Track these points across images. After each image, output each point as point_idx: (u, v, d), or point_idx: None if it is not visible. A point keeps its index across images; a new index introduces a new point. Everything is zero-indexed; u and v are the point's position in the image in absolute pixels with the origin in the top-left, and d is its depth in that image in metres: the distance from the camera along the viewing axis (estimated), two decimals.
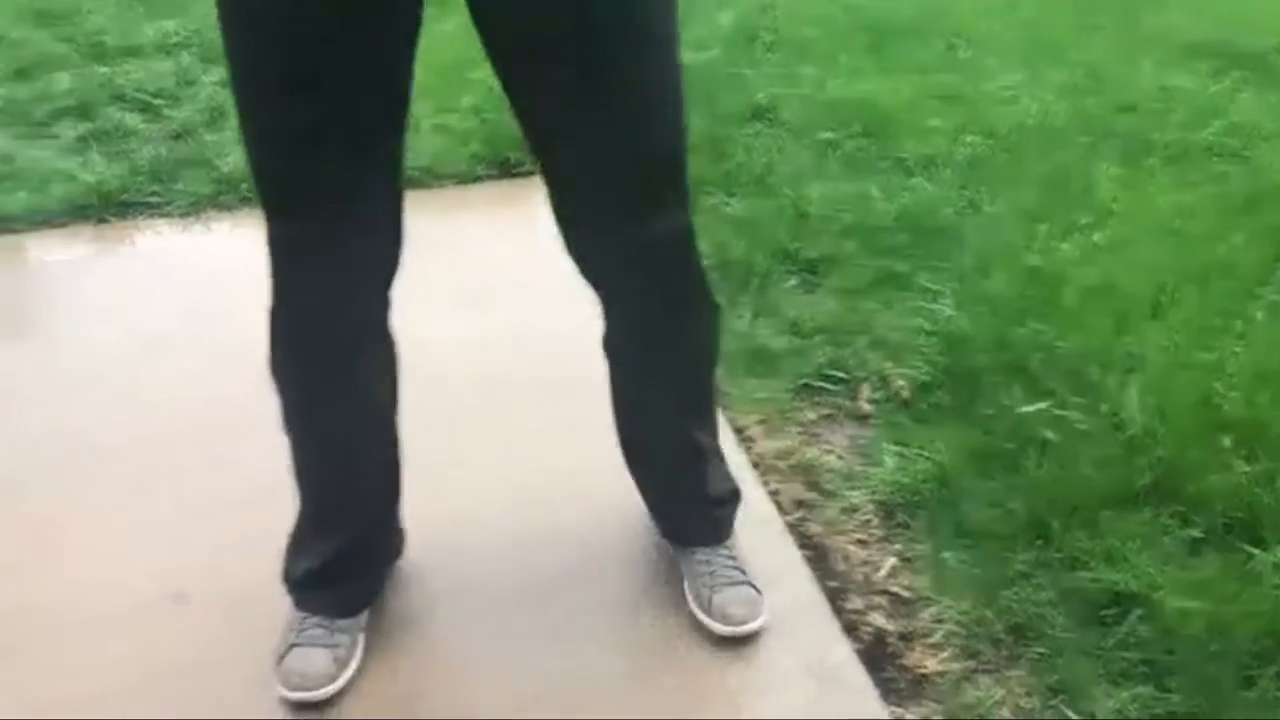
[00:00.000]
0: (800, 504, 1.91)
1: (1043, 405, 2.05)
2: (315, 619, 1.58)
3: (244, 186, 2.77)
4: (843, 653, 1.64)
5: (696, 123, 3.08)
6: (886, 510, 1.89)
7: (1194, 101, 3.31)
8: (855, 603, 1.72)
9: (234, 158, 2.85)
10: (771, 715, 1.55)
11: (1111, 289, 2.37)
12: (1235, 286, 2.40)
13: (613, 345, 1.61)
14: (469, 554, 1.79)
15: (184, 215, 2.73)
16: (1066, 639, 1.64)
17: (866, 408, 2.11)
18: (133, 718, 1.52)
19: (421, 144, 2.90)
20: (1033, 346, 2.20)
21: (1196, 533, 1.80)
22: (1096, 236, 2.60)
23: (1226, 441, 1.94)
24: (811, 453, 2.01)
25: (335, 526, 1.59)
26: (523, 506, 1.88)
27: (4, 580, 1.75)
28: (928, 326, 2.31)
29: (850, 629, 1.68)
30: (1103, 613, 1.67)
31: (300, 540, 1.62)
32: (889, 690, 1.59)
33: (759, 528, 1.84)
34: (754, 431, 2.05)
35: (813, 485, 1.95)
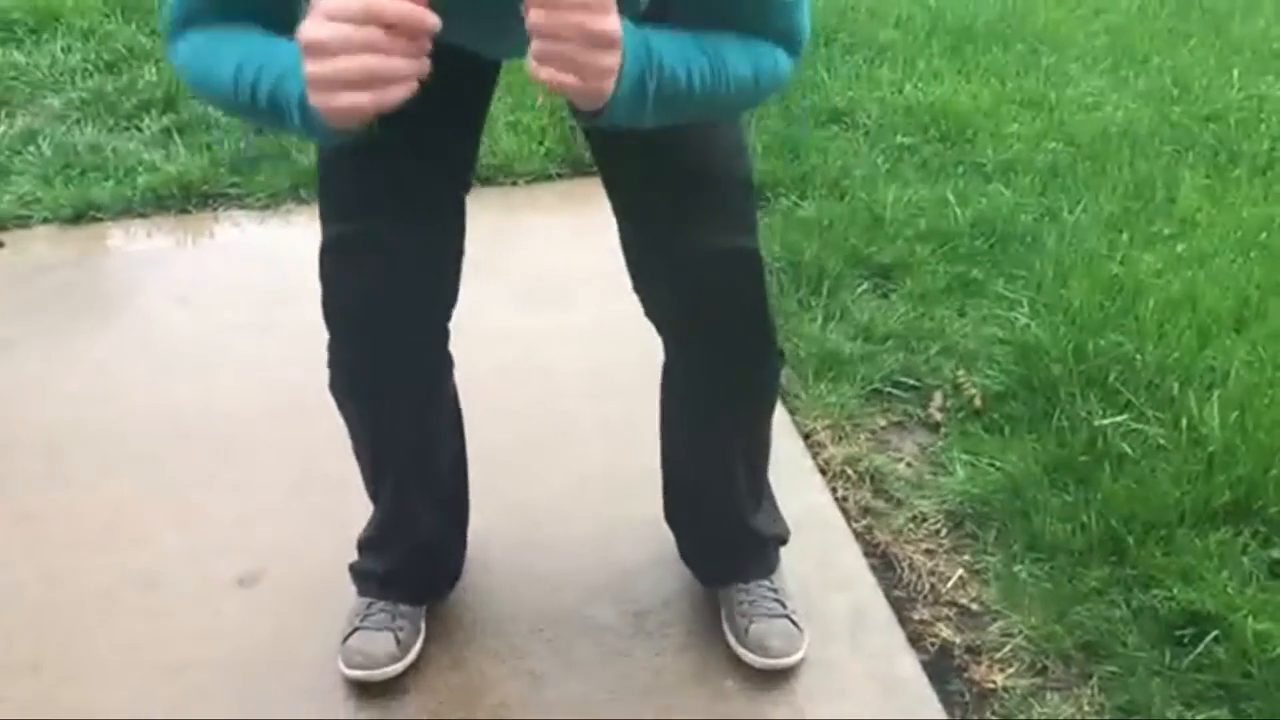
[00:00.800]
0: (867, 511, 1.89)
1: (1120, 418, 2.01)
2: (380, 604, 1.60)
3: None
4: (908, 663, 1.62)
5: (772, 125, 3.09)
6: (956, 520, 1.86)
7: None
8: (922, 613, 1.70)
9: (312, 151, 2.89)
10: None
11: (1194, 301, 2.32)
12: None
13: (668, 383, 1.56)
14: (536, 547, 1.80)
15: (263, 207, 2.77)
16: (1139, 658, 1.60)
17: (938, 416, 2.09)
18: (202, 692, 1.55)
19: (495, 142, 2.92)
20: (1111, 358, 2.15)
21: (1277, 554, 1.75)
22: (1179, 247, 2.54)
23: None
24: (880, 460, 1.98)
25: (404, 541, 1.61)
26: (593, 500, 1.88)
27: (82, 555, 1.79)
28: (1003, 335, 2.27)
29: (916, 639, 1.66)
30: (1178, 633, 1.63)
31: (370, 543, 1.64)
32: (953, 704, 1.57)
33: (825, 534, 1.83)
34: (822, 437, 2.03)
35: (881, 493, 1.92)
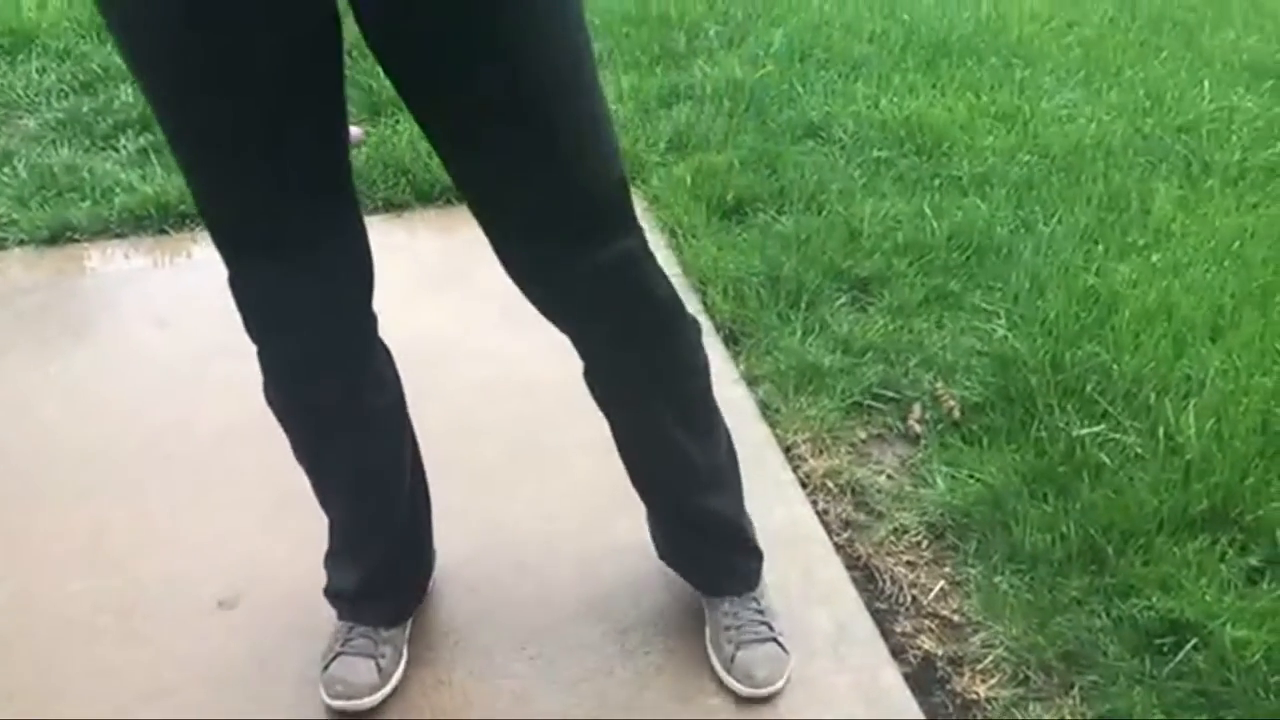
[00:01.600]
0: (849, 524, 1.89)
1: (1098, 428, 2.02)
2: (360, 629, 1.59)
3: None
4: (890, 676, 1.62)
5: (749, 140, 3.10)
6: (937, 532, 1.87)
7: (1255, 122, 3.26)
8: (904, 625, 1.71)
9: None
10: None
11: (1169, 311, 2.34)
12: None
13: (590, 381, 1.51)
14: (519, 565, 1.80)
15: None
16: (1120, 667, 1.61)
17: (917, 428, 2.09)
18: (181, 718, 1.54)
19: None
20: (1088, 368, 2.16)
21: (1255, 561, 1.76)
22: (1154, 258, 2.56)
23: None
24: (861, 472, 1.99)
25: (363, 549, 1.60)
26: (576, 518, 1.88)
27: (59, 579, 1.78)
28: (980, 346, 2.28)
29: (898, 652, 1.66)
30: (1158, 641, 1.64)
31: (334, 558, 1.63)
32: (937, 715, 1.57)
33: (806, 547, 1.83)
34: (803, 450, 2.04)
35: (862, 505, 1.93)
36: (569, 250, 1.32)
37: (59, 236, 2.73)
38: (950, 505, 1.90)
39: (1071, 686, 1.60)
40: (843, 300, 2.46)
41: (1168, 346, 2.22)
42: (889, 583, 1.78)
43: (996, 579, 1.76)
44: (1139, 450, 1.97)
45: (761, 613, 1.63)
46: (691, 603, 1.70)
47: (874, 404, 2.16)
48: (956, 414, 2.11)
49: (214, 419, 2.12)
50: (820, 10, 4.07)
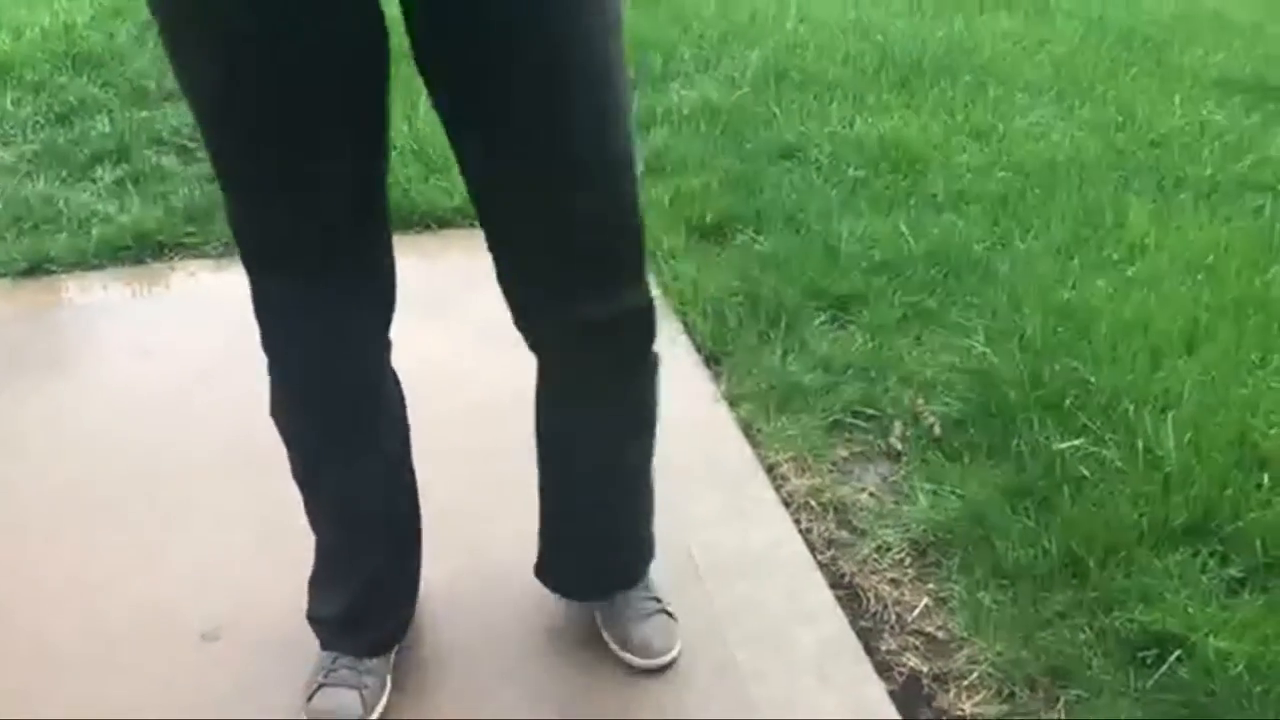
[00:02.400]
0: (832, 543, 1.90)
1: (1077, 442, 2.03)
2: (344, 659, 1.58)
3: None
4: (876, 694, 1.62)
5: (726, 161, 3.12)
6: (920, 549, 1.88)
7: (1226, 136, 3.30)
8: (889, 643, 1.71)
9: None
10: None
11: (1145, 324, 2.36)
12: (1270, 321, 2.38)
13: (543, 402, 1.53)
14: (501, 591, 1.79)
15: (219, 255, 2.76)
16: (1104, 681, 1.62)
17: (898, 445, 2.10)
18: None
19: (457, 184, 2.92)
20: (1066, 383, 2.18)
21: (1236, 572, 1.77)
22: (1129, 271, 2.59)
23: (1265, 479, 1.92)
24: (844, 490, 2.00)
25: (351, 574, 1.59)
26: None
27: (41, 609, 1.77)
28: (959, 363, 2.30)
29: (884, 670, 1.66)
30: (1141, 654, 1.65)
31: (319, 583, 1.62)
32: None
33: (790, 567, 1.83)
34: (786, 469, 2.04)
35: (845, 523, 1.94)
36: (579, 293, 1.35)
37: (36, 268, 2.72)
38: (933, 522, 1.90)
39: (1057, 701, 1.60)
40: (822, 319, 2.47)
41: (1144, 360, 2.24)
42: (873, 600, 1.78)
43: (980, 595, 1.77)
44: (1118, 463, 1.98)
45: (647, 587, 1.68)
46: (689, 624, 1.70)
47: (855, 422, 2.17)
48: (937, 430, 2.12)
49: (197, 448, 2.11)
50: (794, 32, 4.11)
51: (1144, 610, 1.70)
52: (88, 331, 2.55)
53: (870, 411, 2.19)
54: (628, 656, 1.64)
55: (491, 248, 1.37)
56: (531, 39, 1.20)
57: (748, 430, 2.14)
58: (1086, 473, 1.96)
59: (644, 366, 1.47)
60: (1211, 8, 4.43)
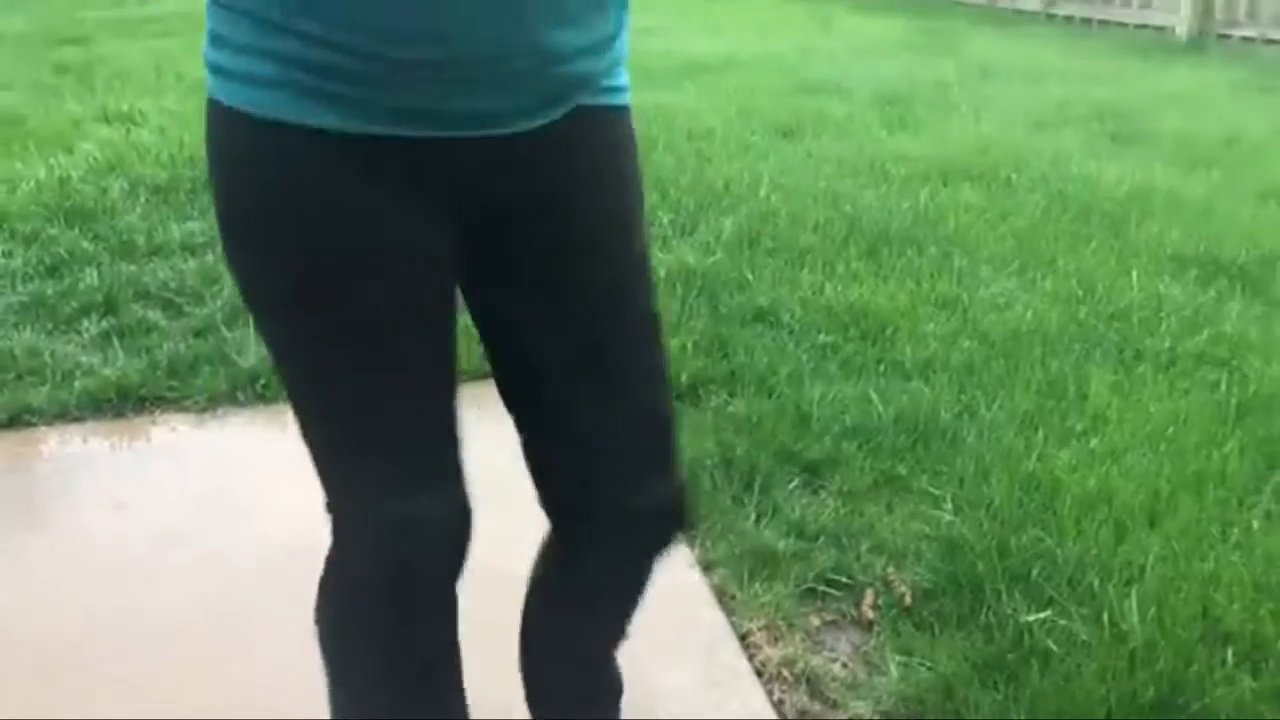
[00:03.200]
0: (804, 714, 1.90)
1: (1044, 614, 2.06)
2: None
3: (259, 383, 2.85)
4: None
5: (701, 324, 3.21)
6: None
7: (1183, 310, 3.41)
8: None
9: (252, 354, 2.94)
10: None
11: (1109, 497, 2.41)
12: (1229, 495, 2.44)
13: (553, 578, 1.51)
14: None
15: (201, 410, 2.80)
16: None
17: (870, 614, 2.13)
18: None
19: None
20: (1033, 554, 2.22)
21: None
22: (1092, 443, 2.65)
23: (1229, 655, 1.95)
24: (816, 660, 2.01)
25: None
26: None
27: None
28: (929, 531, 2.34)
29: None
30: None
31: None
32: None
33: None
34: (758, 638, 2.05)
35: (817, 694, 1.94)
36: (632, 485, 1.36)
37: (16, 420, 2.74)
38: (903, 694, 1.92)
39: None
40: (795, 483, 2.51)
41: (1108, 533, 2.29)
42: None
43: None
44: (1084, 637, 2.01)
45: None
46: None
47: (828, 589, 2.19)
48: (908, 600, 2.15)
49: (165, 609, 2.10)
50: (768, 200, 4.27)
51: None
52: (65, 484, 2.56)
53: (843, 579, 2.21)
54: None
55: (537, 440, 1.40)
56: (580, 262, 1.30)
57: (722, 597, 2.16)
58: (1054, 646, 1.99)
59: (667, 550, 1.47)
60: (1165, 186, 4.63)
